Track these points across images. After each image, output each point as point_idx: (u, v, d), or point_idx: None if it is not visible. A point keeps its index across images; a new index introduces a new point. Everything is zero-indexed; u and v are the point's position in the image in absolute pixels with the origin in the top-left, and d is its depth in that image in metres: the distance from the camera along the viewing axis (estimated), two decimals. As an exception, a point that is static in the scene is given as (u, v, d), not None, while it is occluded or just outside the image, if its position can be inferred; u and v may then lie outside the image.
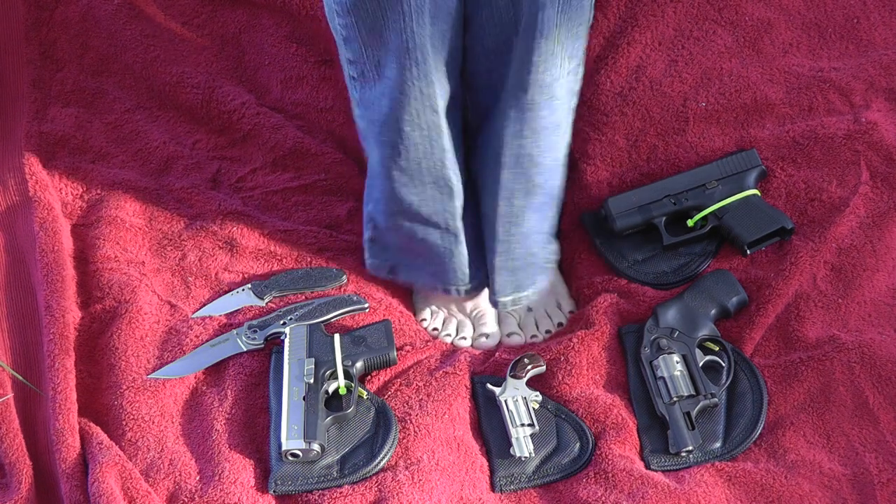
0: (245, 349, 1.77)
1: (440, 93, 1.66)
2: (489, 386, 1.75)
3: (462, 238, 1.81)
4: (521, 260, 1.82)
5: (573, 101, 1.74)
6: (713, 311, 1.80)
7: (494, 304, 1.87)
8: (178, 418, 1.70)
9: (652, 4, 2.02)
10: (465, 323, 1.90)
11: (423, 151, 1.70)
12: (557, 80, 1.65)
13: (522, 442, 1.68)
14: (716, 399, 1.71)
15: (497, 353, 1.84)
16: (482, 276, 1.88)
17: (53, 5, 2.13)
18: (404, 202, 1.76)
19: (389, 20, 1.58)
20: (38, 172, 1.97)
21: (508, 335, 1.89)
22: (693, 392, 1.72)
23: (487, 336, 1.89)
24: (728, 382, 1.73)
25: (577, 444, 1.69)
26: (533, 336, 1.89)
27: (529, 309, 1.91)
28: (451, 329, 1.90)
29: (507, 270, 1.83)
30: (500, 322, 1.91)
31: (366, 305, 1.85)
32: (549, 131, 1.70)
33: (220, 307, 1.84)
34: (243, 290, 1.86)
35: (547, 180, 1.75)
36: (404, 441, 1.67)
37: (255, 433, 1.69)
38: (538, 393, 1.74)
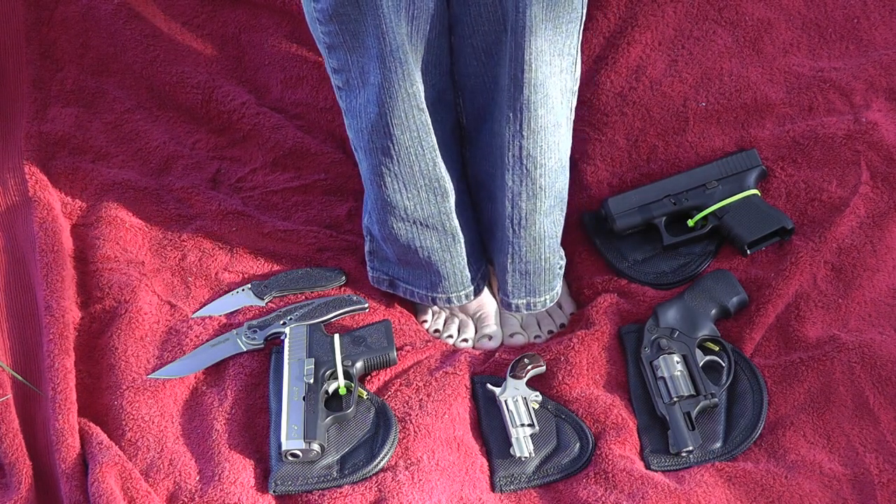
0: (245, 349, 1.77)
1: (424, 90, 1.67)
2: (489, 386, 1.75)
3: (459, 237, 1.80)
4: (534, 264, 1.80)
5: (572, 101, 1.73)
6: (713, 311, 1.80)
7: (507, 306, 1.86)
8: (178, 418, 1.70)
9: (652, 4, 2.02)
10: (467, 324, 1.90)
11: (415, 153, 1.70)
12: (549, 78, 1.65)
13: (522, 442, 1.68)
14: (716, 399, 1.71)
15: (497, 353, 1.84)
16: (480, 277, 1.87)
17: (53, 5, 2.13)
18: (399, 208, 1.76)
19: (370, 24, 1.59)
20: (38, 172, 1.97)
21: (511, 335, 1.89)
22: (693, 392, 1.72)
23: (490, 337, 1.89)
24: (728, 382, 1.73)
25: (577, 444, 1.69)
26: (536, 336, 1.89)
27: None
28: (453, 330, 1.90)
29: (519, 273, 1.81)
30: (502, 323, 1.91)
31: (366, 305, 1.85)
32: (548, 131, 1.69)
33: (220, 307, 1.84)
34: (243, 290, 1.86)
35: (552, 183, 1.74)
36: (404, 441, 1.67)
37: (255, 433, 1.69)
38: (538, 393, 1.74)
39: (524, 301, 1.84)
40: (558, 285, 1.87)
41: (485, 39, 1.66)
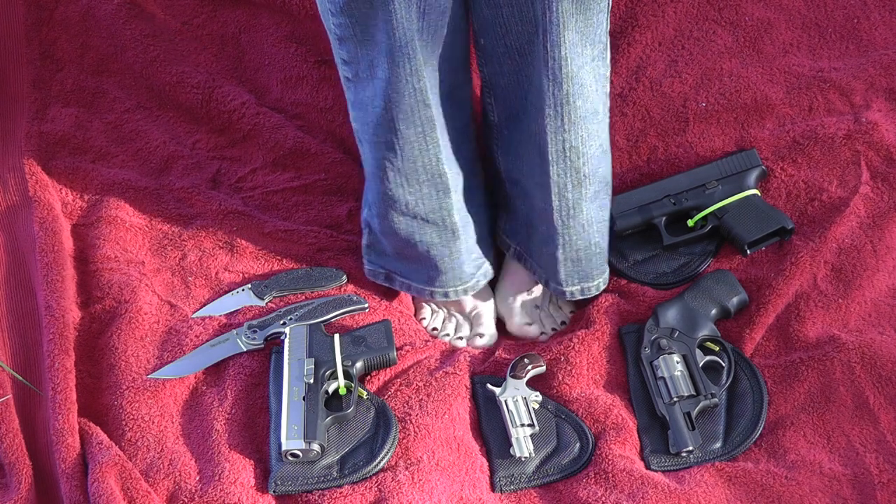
0: (245, 349, 1.77)
1: (431, 86, 1.67)
2: (489, 386, 1.75)
3: (460, 234, 1.80)
4: (584, 250, 1.81)
5: (606, 86, 1.73)
6: (713, 311, 1.80)
7: (561, 294, 1.86)
8: (178, 418, 1.70)
9: (652, 4, 2.02)
10: (462, 323, 1.91)
11: (419, 148, 1.70)
12: (583, 68, 1.65)
13: (522, 442, 1.68)
14: (716, 399, 1.71)
15: (497, 353, 1.84)
16: (482, 274, 1.88)
17: (53, 5, 2.13)
18: (400, 203, 1.76)
19: (380, 18, 1.59)
20: (38, 172, 1.97)
21: (529, 324, 1.89)
22: (693, 392, 1.72)
23: (482, 336, 1.89)
24: (728, 382, 1.73)
25: (577, 445, 1.69)
26: (541, 332, 1.89)
27: (537, 306, 1.91)
28: (450, 328, 1.90)
29: (571, 261, 1.82)
30: (511, 315, 1.91)
31: (366, 305, 1.85)
32: (587, 120, 1.70)
33: (220, 307, 1.84)
34: (243, 290, 1.86)
35: (595, 169, 1.75)
36: (404, 441, 1.67)
37: (255, 433, 1.69)
38: (538, 393, 1.74)
39: (578, 287, 1.85)
40: (607, 269, 1.88)
41: (518, 39, 1.67)
